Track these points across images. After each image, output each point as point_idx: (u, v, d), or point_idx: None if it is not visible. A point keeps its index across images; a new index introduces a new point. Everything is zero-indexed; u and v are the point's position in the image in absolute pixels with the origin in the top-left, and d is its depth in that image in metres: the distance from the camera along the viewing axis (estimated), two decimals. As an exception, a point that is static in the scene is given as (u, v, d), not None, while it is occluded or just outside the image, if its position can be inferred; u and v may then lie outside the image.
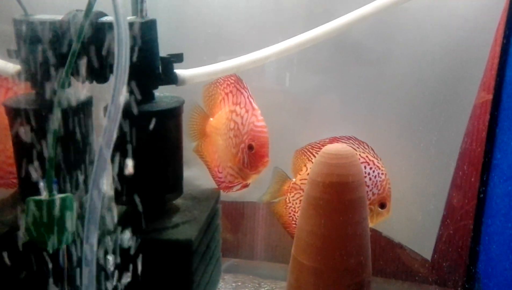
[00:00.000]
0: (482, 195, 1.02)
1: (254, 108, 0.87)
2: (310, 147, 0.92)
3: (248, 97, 0.88)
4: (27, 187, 0.68)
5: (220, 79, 0.92)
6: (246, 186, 0.93)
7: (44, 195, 0.57)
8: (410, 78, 0.98)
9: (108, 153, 0.38)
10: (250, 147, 0.86)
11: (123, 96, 0.37)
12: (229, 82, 0.91)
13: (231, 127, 0.88)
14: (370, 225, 0.91)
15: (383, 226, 0.99)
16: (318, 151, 0.84)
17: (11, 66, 0.77)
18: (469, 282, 1.06)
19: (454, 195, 1.03)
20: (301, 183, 0.93)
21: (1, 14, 0.78)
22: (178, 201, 0.84)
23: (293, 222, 0.95)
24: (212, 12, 1.01)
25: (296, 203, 0.95)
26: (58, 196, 0.56)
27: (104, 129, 0.38)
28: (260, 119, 0.86)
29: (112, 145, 0.39)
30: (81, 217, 0.58)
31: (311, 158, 0.91)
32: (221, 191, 0.94)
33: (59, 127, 0.55)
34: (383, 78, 0.99)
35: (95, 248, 0.40)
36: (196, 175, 1.01)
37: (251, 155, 0.86)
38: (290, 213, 0.96)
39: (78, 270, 0.57)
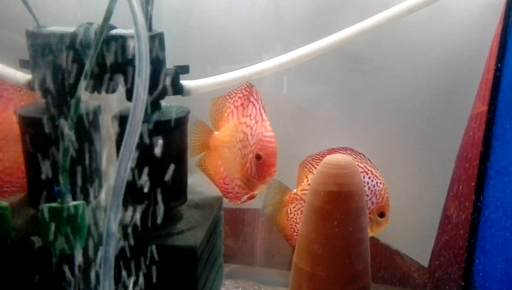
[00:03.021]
0: (478, 204, 1.03)
1: (264, 118, 0.87)
2: (310, 159, 0.93)
3: (259, 109, 0.87)
4: (38, 194, 0.70)
5: (231, 92, 0.91)
6: (252, 197, 0.93)
7: (57, 202, 0.59)
8: (408, 89, 1.00)
9: (128, 164, 0.40)
10: (258, 157, 0.85)
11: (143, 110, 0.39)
12: (241, 95, 0.90)
13: (240, 138, 0.88)
14: (370, 234, 0.92)
15: (381, 234, 1.01)
16: (319, 162, 0.85)
17: (22, 76, 0.79)
18: (466, 287, 1.08)
19: (450, 204, 1.05)
20: (302, 194, 0.94)
21: (14, 24, 0.80)
22: (182, 208, 0.86)
23: (295, 233, 0.95)
24: (215, 24, 1.02)
25: (297, 214, 0.95)
26: (71, 203, 0.58)
27: (124, 140, 0.40)
28: (268, 129, 0.86)
29: (131, 157, 0.41)
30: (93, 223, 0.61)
31: (312, 169, 0.93)
32: (229, 201, 0.94)
33: (73, 136, 0.58)
34: (381, 90, 1.01)
35: (112, 254, 0.42)
36: (199, 182, 1.02)
37: (259, 165, 0.85)
38: (292, 224, 0.96)
39: (91, 275, 0.59)
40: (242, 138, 0.88)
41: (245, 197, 0.93)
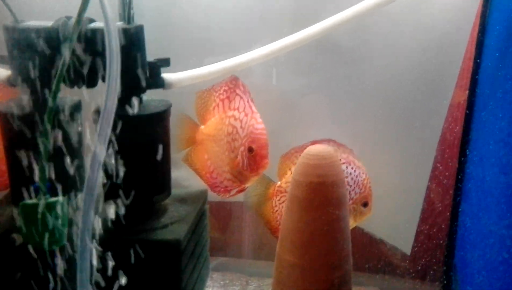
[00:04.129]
0: (458, 191, 1.05)
1: (253, 111, 0.86)
2: (294, 151, 0.93)
3: (248, 101, 0.87)
4: (19, 191, 0.70)
5: (216, 86, 0.90)
6: (243, 190, 0.92)
7: (36, 199, 0.59)
8: (389, 78, 1.01)
9: (101, 158, 0.41)
10: (250, 150, 0.84)
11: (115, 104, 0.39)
12: (226, 88, 0.89)
13: (229, 131, 0.87)
14: (354, 224, 0.93)
15: (365, 223, 1.02)
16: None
17: (2, 71, 0.78)
18: (447, 273, 1.10)
19: (432, 191, 1.06)
20: (286, 186, 0.94)
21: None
22: (167, 202, 0.86)
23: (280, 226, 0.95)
24: (199, 15, 1.02)
25: (282, 207, 0.95)
26: (50, 199, 0.58)
27: (98, 134, 0.40)
28: (259, 121, 0.85)
29: (104, 151, 0.41)
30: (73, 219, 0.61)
31: (295, 162, 0.93)
32: (218, 195, 0.93)
33: (51, 132, 0.57)
34: (362, 79, 1.02)
35: (89, 250, 0.42)
36: (184, 176, 1.02)
37: (251, 158, 0.85)
38: (277, 217, 0.96)
39: (71, 271, 0.59)
40: (231, 131, 0.87)
41: (235, 190, 0.92)
